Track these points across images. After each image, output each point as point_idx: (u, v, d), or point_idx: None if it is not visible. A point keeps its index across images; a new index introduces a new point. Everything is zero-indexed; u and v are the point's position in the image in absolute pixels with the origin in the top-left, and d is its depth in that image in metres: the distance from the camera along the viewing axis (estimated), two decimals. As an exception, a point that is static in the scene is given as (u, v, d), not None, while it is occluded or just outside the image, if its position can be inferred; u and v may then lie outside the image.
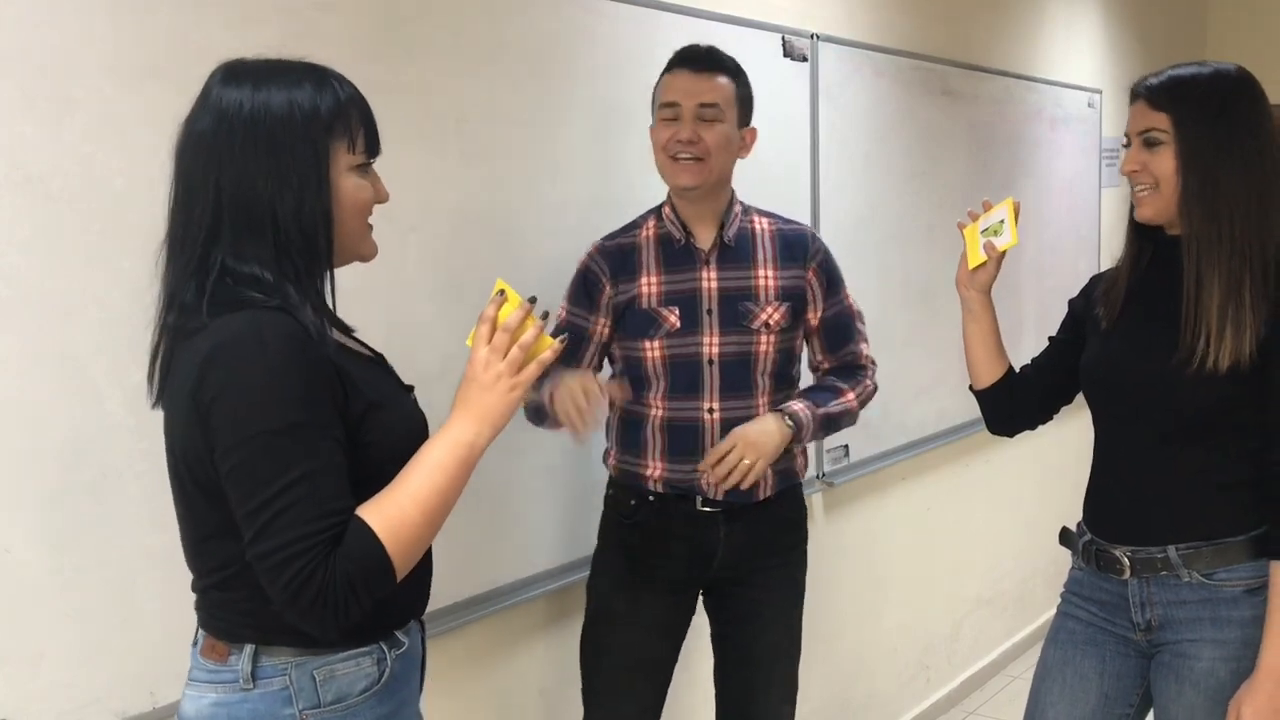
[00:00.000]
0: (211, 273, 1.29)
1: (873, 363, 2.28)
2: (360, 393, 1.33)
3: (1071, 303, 2.03)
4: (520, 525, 2.28)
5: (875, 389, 2.27)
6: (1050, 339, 2.06)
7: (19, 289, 1.54)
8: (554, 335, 2.14)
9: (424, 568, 1.45)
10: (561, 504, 2.37)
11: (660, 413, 2.11)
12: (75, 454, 1.60)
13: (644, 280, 2.10)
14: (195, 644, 1.39)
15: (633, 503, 2.16)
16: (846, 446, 3.14)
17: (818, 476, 3.06)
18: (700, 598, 2.26)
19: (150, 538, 1.69)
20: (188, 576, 1.72)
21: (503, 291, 1.38)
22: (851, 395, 2.21)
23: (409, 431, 1.39)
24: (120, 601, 1.66)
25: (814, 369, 2.28)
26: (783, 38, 2.83)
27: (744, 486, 2.04)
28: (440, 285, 2.07)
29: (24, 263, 1.55)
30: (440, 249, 2.07)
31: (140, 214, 1.65)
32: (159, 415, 1.67)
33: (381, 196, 1.40)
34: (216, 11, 1.73)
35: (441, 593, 2.07)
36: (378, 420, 1.34)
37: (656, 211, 2.18)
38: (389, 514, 1.27)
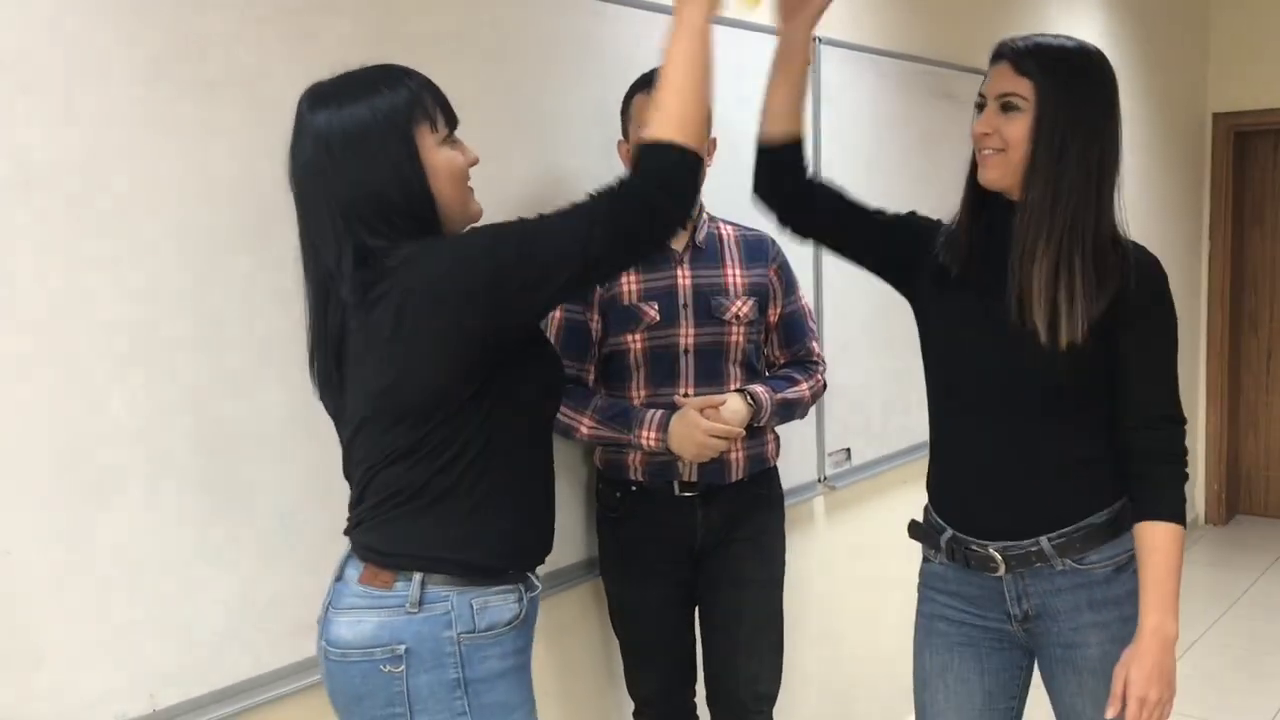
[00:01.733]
0: (357, 257, 1.45)
1: (822, 360, 2.45)
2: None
3: (914, 223, 1.90)
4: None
5: (825, 385, 2.44)
6: (884, 210, 1.92)
7: (19, 289, 1.54)
8: (559, 335, 2.21)
9: (553, 513, 1.66)
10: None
11: (640, 401, 2.26)
12: (75, 455, 1.60)
13: (624, 279, 2.25)
14: (339, 578, 1.56)
15: (618, 495, 2.32)
16: (848, 450, 3.14)
17: (820, 480, 3.05)
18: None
19: (150, 540, 1.68)
20: (187, 579, 1.73)
21: None
22: (805, 387, 2.37)
23: (556, 368, 1.67)
24: (120, 603, 1.66)
25: (770, 364, 2.43)
26: (784, 40, 2.83)
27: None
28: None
29: (24, 263, 1.54)
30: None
31: (141, 214, 1.66)
32: (160, 416, 1.68)
33: (472, 159, 1.57)
34: (217, 12, 1.73)
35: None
36: (537, 352, 1.58)
37: None
38: (657, 117, 1.47)
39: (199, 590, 1.74)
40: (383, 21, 1.96)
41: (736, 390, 2.26)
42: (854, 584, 3.28)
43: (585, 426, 2.22)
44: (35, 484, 1.57)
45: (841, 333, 3.08)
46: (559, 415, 2.20)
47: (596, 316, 2.25)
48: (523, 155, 2.22)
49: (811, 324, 2.46)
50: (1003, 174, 1.72)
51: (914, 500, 3.51)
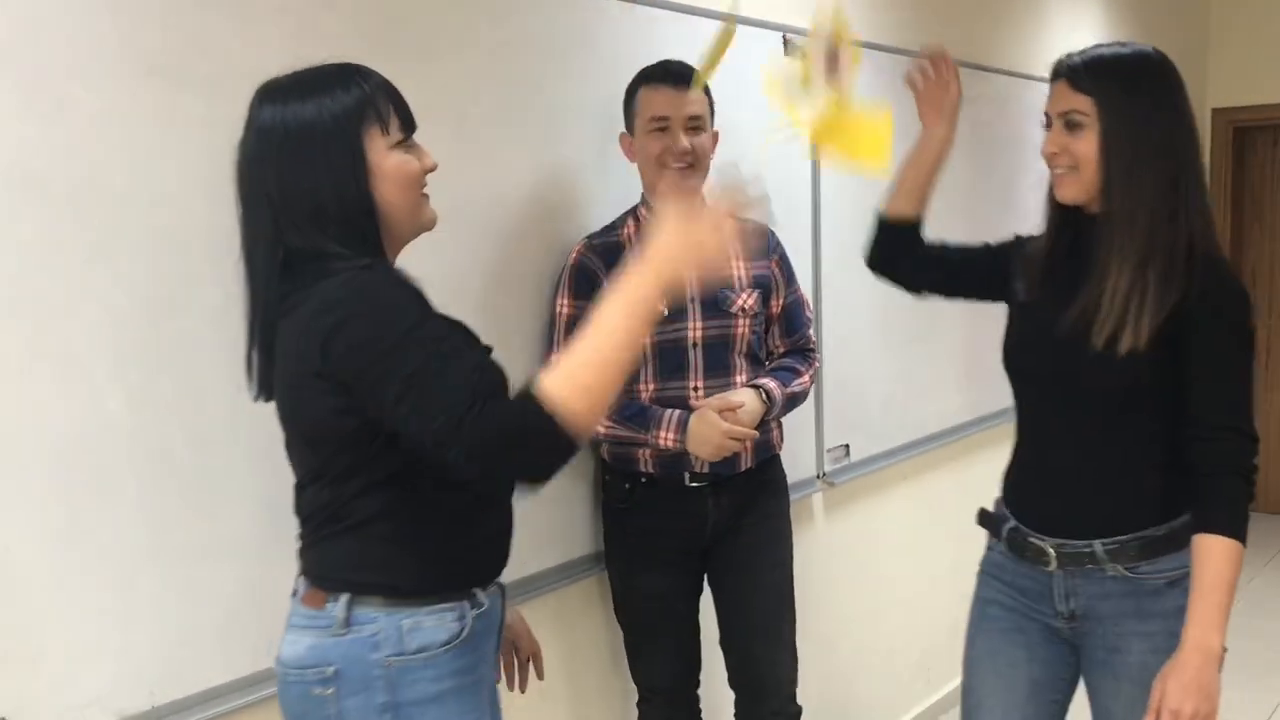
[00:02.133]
0: (290, 262, 1.41)
1: (816, 346, 2.53)
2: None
3: (1006, 245, 1.99)
4: (516, 530, 2.28)
5: (818, 369, 2.53)
6: (984, 244, 2.03)
7: (19, 289, 1.54)
8: (564, 329, 2.21)
9: (504, 529, 1.59)
10: (552, 507, 2.37)
11: (649, 394, 2.26)
12: (75, 454, 1.60)
13: None
14: (295, 593, 1.52)
15: (627, 486, 2.32)
16: (847, 446, 3.14)
17: (818, 476, 3.06)
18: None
19: (149, 538, 1.69)
20: (185, 576, 1.73)
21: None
22: (806, 377, 2.42)
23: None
24: (120, 601, 1.66)
25: (770, 353, 2.45)
26: (784, 36, 2.83)
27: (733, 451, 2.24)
28: (440, 285, 2.06)
29: (24, 263, 1.55)
30: (440, 249, 2.06)
31: (140, 214, 1.66)
32: (159, 415, 1.68)
33: (428, 165, 1.50)
34: (217, 10, 1.72)
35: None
36: None
37: (633, 213, 2.32)
38: (560, 365, 1.32)
39: (198, 587, 1.74)
40: (383, 19, 1.96)
41: (750, 386, 2.27)
42: (852, 582, 3.29)
43: (601, 425, 2.21)
44: (34, 482, 1.57)
45: (841, 329, 3.08)
46: None
47: None
48: (524, 152, 2.22)
49: (808, 313, 2.49)
50: (1079, 191, 1.74)
51: (914, 497, 3.53)
